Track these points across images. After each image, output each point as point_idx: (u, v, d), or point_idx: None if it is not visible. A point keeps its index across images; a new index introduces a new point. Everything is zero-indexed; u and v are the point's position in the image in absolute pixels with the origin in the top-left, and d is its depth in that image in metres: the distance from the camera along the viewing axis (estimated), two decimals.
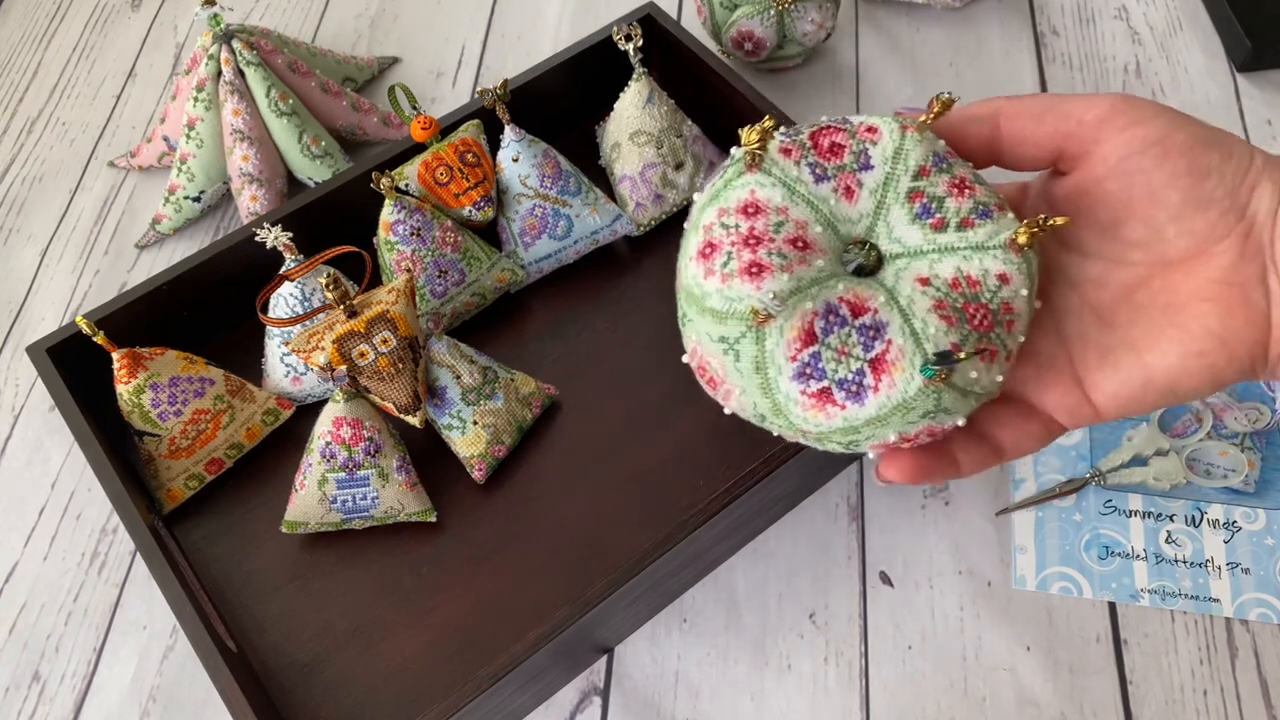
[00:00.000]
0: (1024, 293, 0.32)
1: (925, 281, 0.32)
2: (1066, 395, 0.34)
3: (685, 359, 0.34)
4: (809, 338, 0.31)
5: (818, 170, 0.33)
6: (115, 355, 0.61)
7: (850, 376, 0.31)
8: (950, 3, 0.85)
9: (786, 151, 0.33)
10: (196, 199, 0.77)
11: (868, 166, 0.33)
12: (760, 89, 0.74)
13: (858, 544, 0.62)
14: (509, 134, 0.70)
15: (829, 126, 0.34)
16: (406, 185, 0.68)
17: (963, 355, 0.30)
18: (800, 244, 0.32)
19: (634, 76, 0.72)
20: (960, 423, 0.32)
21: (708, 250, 0.32)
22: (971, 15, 0.86)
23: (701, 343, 0.33)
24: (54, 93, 0.90)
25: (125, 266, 0.79)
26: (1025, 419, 0.35)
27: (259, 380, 0.69)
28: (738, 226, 0.32)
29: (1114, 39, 0.84)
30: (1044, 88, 0.81)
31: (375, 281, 0.70)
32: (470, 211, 0.69)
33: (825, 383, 0.31)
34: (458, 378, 0.63)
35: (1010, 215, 0.33)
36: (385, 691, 0.58)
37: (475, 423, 0.63)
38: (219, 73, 0.74)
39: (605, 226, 0.71)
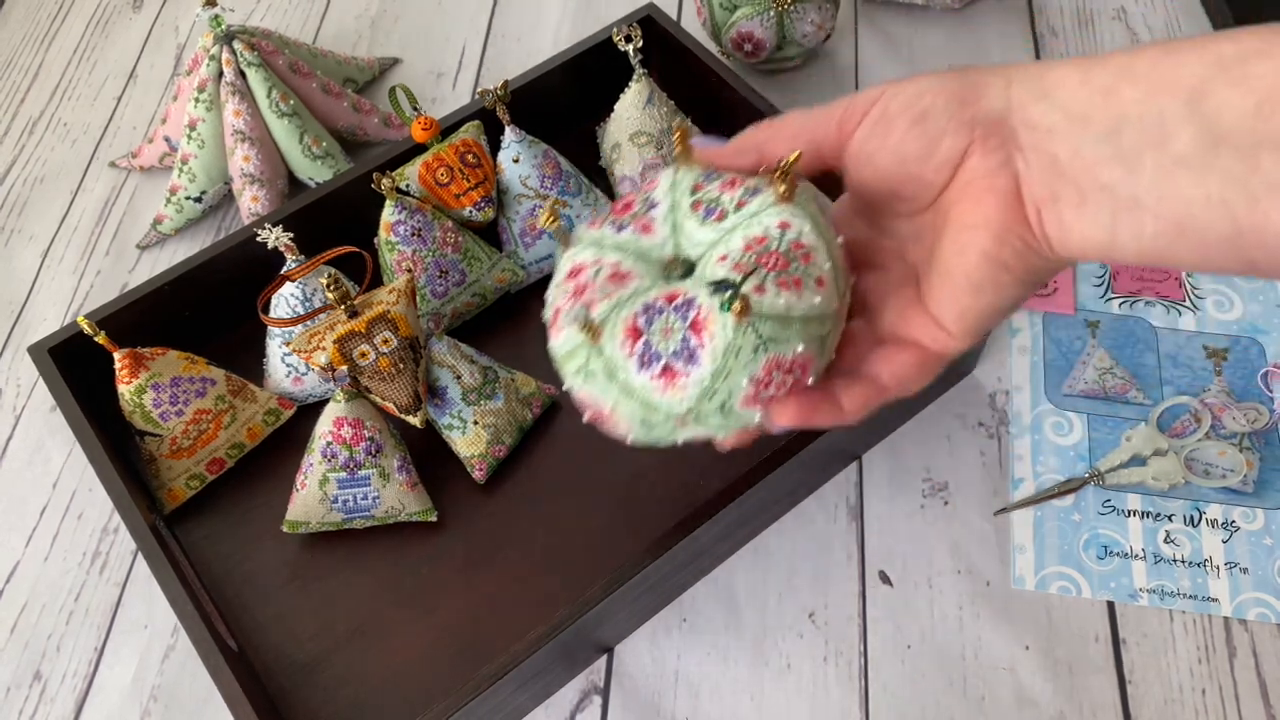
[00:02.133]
0: (807, 228, 0.37)
1: (723, 258, 0.37)
2: (926, 325, 0.38)
3: (585, 420, 0.40)
4: (635, 332, 0.36)
5: (616, 224, 0.40)
6: (117, 355, 0.61)
7: (679, 346, 0.36)
8: (949, 4, 0.85)
9: (592, 224, 0.41)
10: (198, 199, 0.78)
11: (654, 205, 0.40)
12: (760, 90, 0.75)
13: (857, 544, 0.62)
14: (509, 135, 0.70)
15: (624, 195, 0.42)
16: (407, 186, 0.68)
17: (738, 279, 0.35)
18: (617, 277, 0.38)
19: (634, 77, 0.72)
20: (800, 349, 0.36)
21: (554, 317, 0.40)
22: (971, 16, 0.87)
23: (573, 388, 0.39)
24: (55, 93, 0.90)
25: (127, 267, 0.79)
26: (899, 351, 0.39)
27: (260, 380, 0.69)
28: (567, 289, 0.39)
29: (1113, 40, 0.84)
30: None
31: (376, 282, 0.70)
32: (471, 212, 0.70)
33: (663, 360, 0.36)
34: (458, 378, 0.63)
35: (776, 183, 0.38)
36: (386, 690, 0.58)
37: (476, 423, 0.63)
38: (220, 73, 0.74)
39: None
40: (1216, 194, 0.30)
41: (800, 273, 0.36)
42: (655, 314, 0.36)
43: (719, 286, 0.35)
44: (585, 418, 0.39)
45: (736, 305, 0.34)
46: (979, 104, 0.35)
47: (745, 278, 0.35)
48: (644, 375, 0.36)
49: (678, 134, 0.40)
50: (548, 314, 0.40)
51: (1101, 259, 0.34)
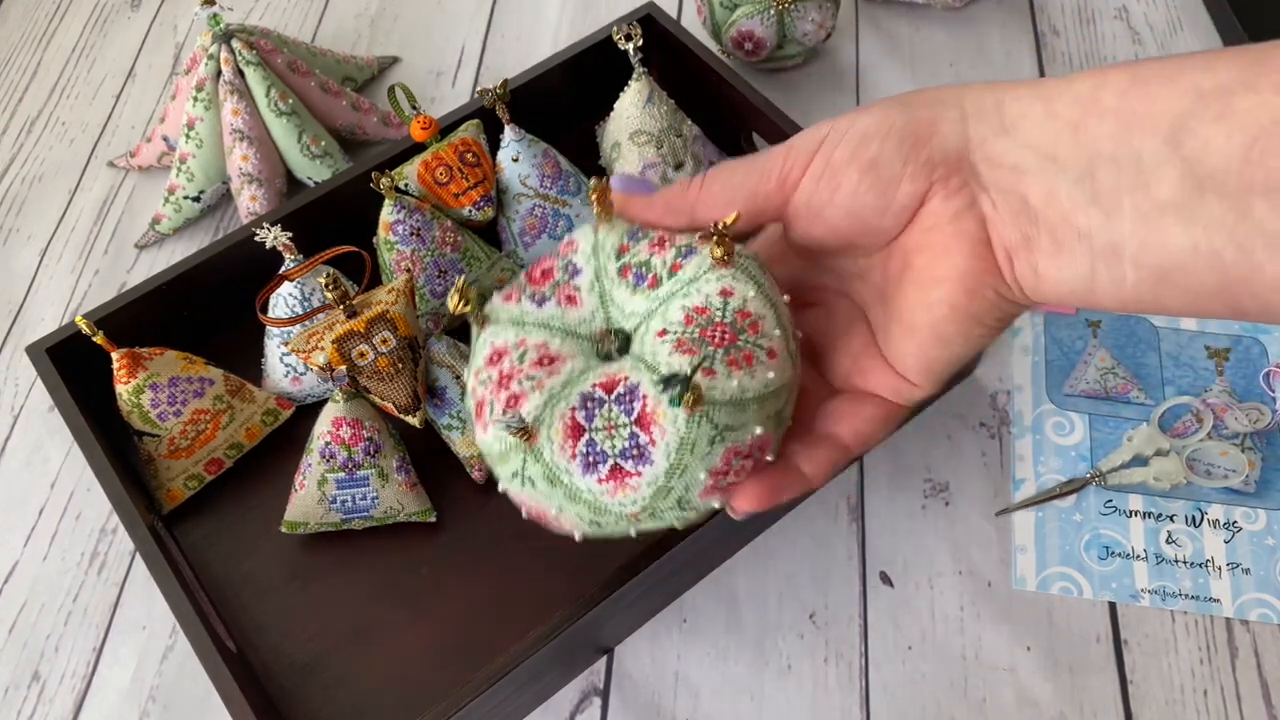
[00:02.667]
0: (751, 293, 0.34)
1: (662, 333, 0.34)
2: (885, 375, 0.36)
3: (525, 516, 0.36)
4: (576, 431, 0.33)
5: (537, 297, 0.37)
6: (115, 355, 0.60)
7: (627, 445, 0.32)
8: (950, 3, 0.84)
9: (508, 297, 0.38)
10: (196, 199, 0.77)
11: (577, 272, 0.37)
12: (760, 89, 0.74)
13: (858, 544, 0.62)
14: (509, 134, 0.70)
15: (539, 259, 0.38)
16: (406, 185, 0.68)
17: (689, 370, 0.31)
18: (546, 360, 0.35)
19: (634, 76, 0.71)
20: (758, 431, 0.33)
21: (479, 410, 0.36)
22: (972, 15, 0.86)
23: (510, 489, 0.35)
24: (53, 92, 0.90)
25: (125, 266, 0.79)
26: (858, 406, 0.36)
27: (259, 380, 0.69)
28: (490, 377, 0.35)
29: (1114, 39, 0.84)
30: None
31: (375, 281, 0.70)
32: (470, 211, 0.69)
33: (610, 461, 0.32)
34: (457, 378, 0.63)
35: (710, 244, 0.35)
36: (385, 691, 0.58)
37: None
38: (218, 72, 0.73)
39: None
40: (1204, 243, 0.27)
41: (750, 345, 0.33)
42: (596, 407, 0.33)
43: (668, 383, 0.31)
44: (524, 514, 0.36)
45: (688, 398, 0.31)
46: (933, 141, 0.32)
47: (695, 368, 0.32)
48: (590, 479, 0.33)
49: (595, 192, 0.36)
50: (469, 405, 0.37)
51: (1079, 305, 0.32)
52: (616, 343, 0.36)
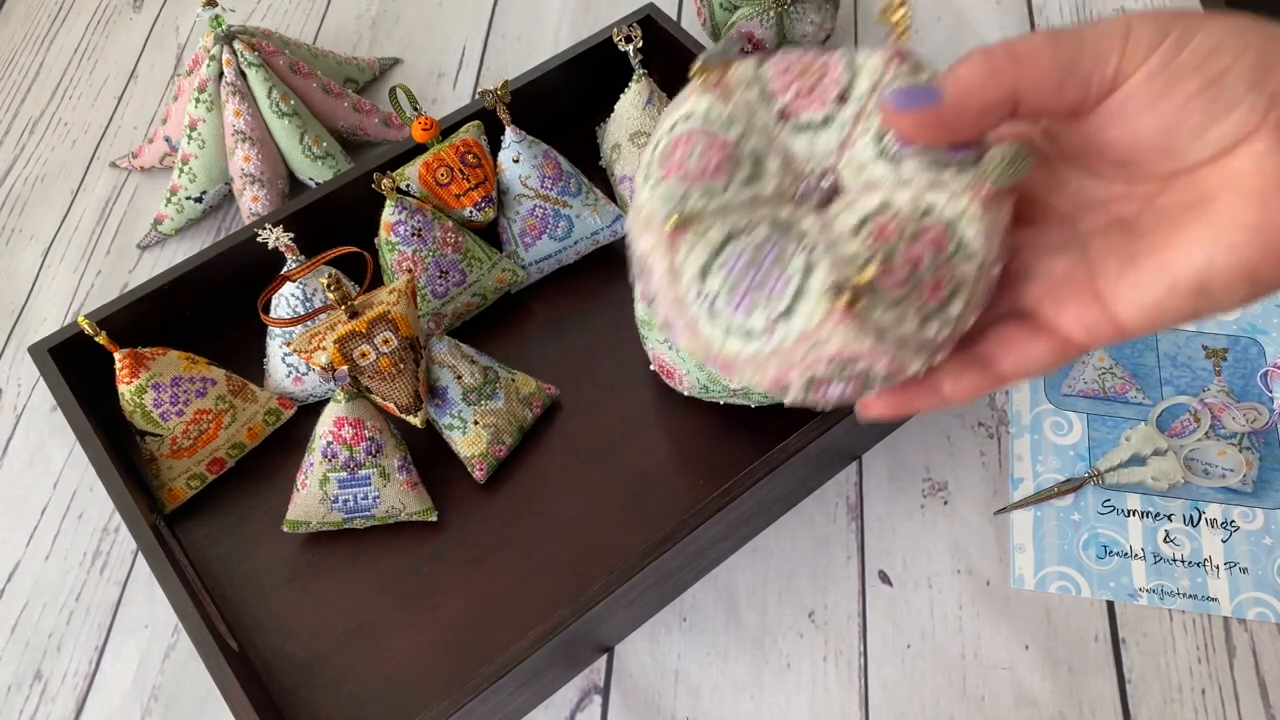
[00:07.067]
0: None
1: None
2: (1085, 311, 0.31)
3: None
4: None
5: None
6: (117, 355, 0.61)
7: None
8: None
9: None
10: (198, 199, 0.78)
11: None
12: None
13: (857, 543, 0.62)
14: (509, 135, 0.70)
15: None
16: (407, 186, 0.68)
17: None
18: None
19: (634, 77, 0.72)
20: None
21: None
22: (971, 15, 0.87)
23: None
24: (56, 93, 0.90)
25: (127, 267, 0.79)
26: (1032, 337, 0.32)
27: (261, 380, 0.69)
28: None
29: None
30: None
31: (376, 282, 0.70)
32: (471, 212, 0.70)
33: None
34: (459, 378, 0.63)
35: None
36: (386, 690, 0.58)
37: (476, 423, 0.63)
38: (220, 74, 0.74)
39: (605, 227, 0.71)
40: None
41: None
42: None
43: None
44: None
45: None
46: None
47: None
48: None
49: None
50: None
51: None
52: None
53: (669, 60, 0.76)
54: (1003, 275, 0.33)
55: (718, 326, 0.31)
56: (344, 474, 0.60)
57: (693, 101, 0.32)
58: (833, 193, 0.32)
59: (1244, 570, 0.60)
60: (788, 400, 0.32)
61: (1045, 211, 0.33)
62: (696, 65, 0.32)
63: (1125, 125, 0.29)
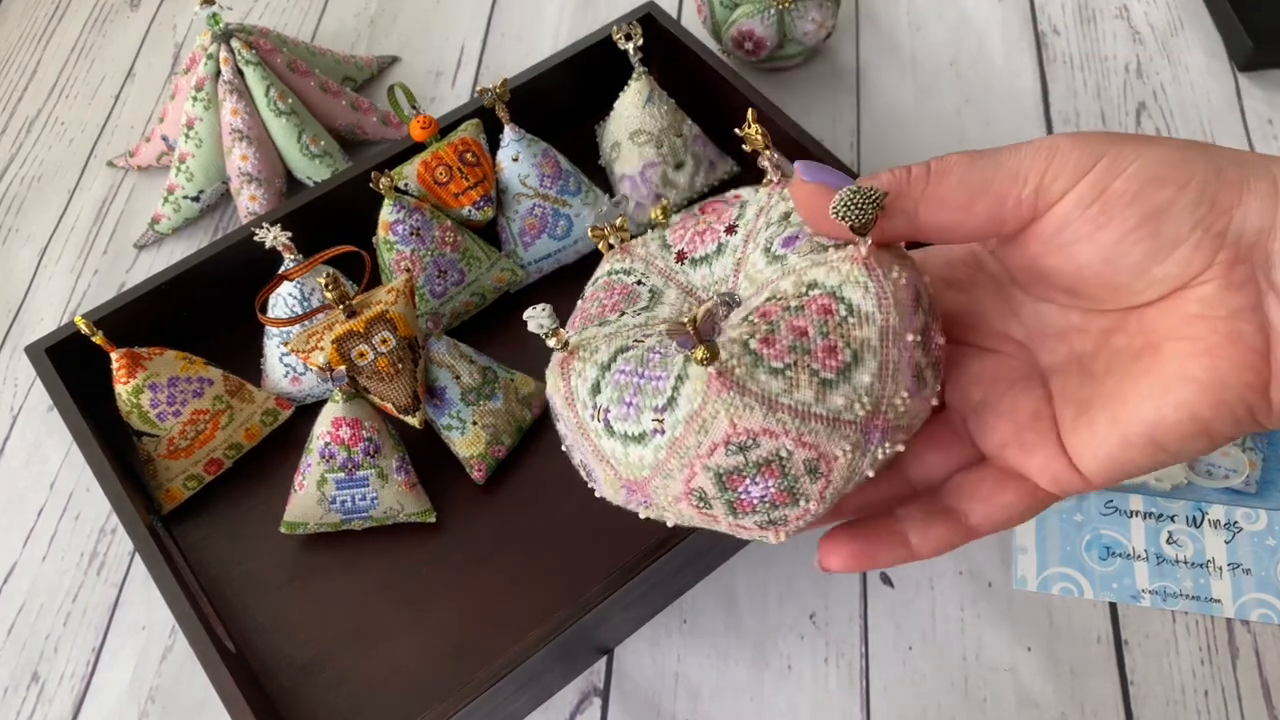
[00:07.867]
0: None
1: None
2: (1052, 460, 0.29)
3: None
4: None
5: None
6: (114, 355, 0.60)
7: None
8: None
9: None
10: (195, 199, 0.77)
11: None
12: (760, 89, 0.74)
13: None
14: (509, 133, 0.69)
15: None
16: (406, 185, 0.68)
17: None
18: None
19: (634, 76, 0.71)
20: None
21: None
22: (972, 15, 0.86)
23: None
24: (53, 92, 0.90)
25: (124, 266, 0.79)
26: (1000, 489, 0.31)
27: (258, 380, 0.68)
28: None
29: (1115, 38, 0.84)
30: (1045, 87, 0.81)
31: (374, 281, 0.70)
32: (470, 211, 0.69)
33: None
34: (457, 378, 0.63)
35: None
36: (384, 692, 0.58)
37: (475, 423, 0.63)
38: (218, 72, 0.73)
39: None
40: None
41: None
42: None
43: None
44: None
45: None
46: (1233, 213, 0.26)
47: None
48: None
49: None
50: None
51: None
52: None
53: (669, 58, 0.75)
54: (966, 409, 0.32)
55: (615, 439, 0.31)
56: (342, 475, 0.60)
57: (601, 268, 0.35)
58: (730, 309, 0.32)
59: (1247, 571, 0.60)
60: (719, 518, 0.31)
61: (1003, 339, 0.32)
62: (590, 233, 0.36)
63: (1064, 254, 0.28)
